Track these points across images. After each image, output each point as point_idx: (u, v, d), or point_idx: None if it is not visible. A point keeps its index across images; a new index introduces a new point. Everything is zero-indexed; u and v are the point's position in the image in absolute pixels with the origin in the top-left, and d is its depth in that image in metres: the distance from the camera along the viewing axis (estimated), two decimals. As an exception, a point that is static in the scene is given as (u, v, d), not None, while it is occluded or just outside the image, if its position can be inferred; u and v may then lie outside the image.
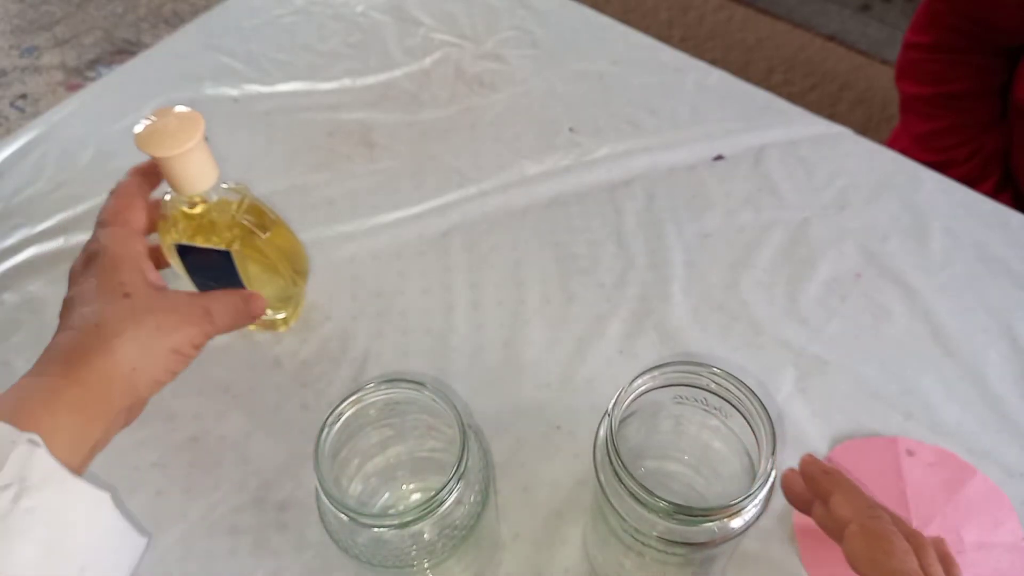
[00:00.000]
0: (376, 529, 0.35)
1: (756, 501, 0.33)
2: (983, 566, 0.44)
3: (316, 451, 0.35)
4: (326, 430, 0.36)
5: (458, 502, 0.36)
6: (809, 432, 0.49)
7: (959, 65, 0.75)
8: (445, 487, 0.34)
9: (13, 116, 1.64)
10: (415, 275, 0.58)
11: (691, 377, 0.36)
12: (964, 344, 0.53)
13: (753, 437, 0.35)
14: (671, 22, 1.78)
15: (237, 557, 0.46)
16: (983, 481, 0.47)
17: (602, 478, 0.35)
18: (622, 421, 0.36)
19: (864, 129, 0.65)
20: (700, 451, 0.42)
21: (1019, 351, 0.52)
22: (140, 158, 0.45)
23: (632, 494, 0.33)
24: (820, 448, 0.48)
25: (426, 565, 0.37)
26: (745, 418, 0.36)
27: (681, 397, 0.38)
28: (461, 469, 0.34)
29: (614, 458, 0.34)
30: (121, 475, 0.49)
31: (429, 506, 0.34)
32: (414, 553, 0.36)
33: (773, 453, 0.33)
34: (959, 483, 0.47)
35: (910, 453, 0.48)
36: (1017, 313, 0.54)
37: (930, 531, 0.45)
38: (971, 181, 0.64)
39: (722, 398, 0.36)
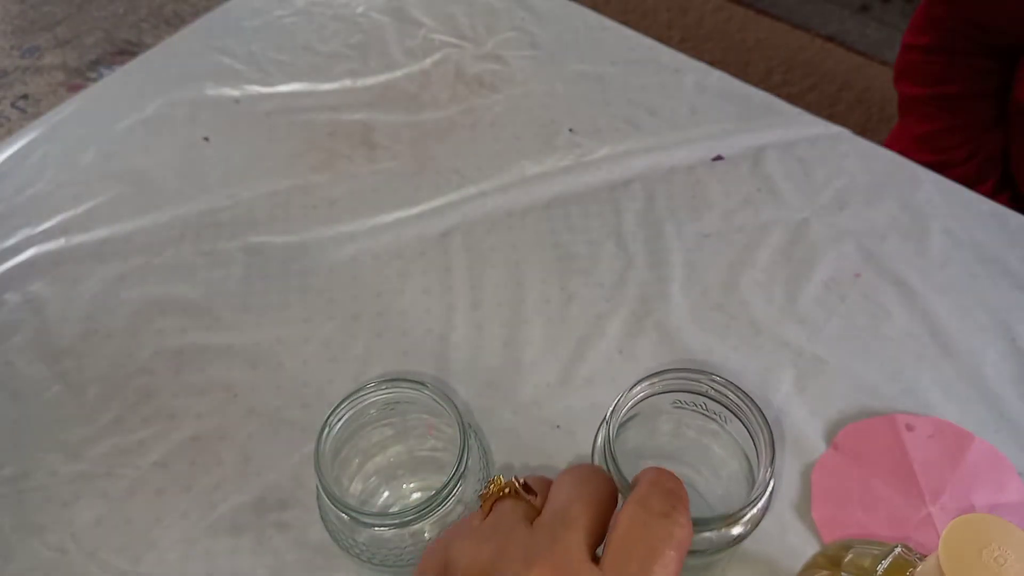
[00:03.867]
0: (376, 528, 0.35)
1: (755, 510, 0.33)
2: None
3: (317, 450, 0.35)
4: (327, 429, 0.36)
5: (458, 501, 0.36)
6: (808, 432, 0.49)
7: (957, 67, 0.75)
8: (445, 486, 0.34)
9: (14, 116, 1.64)
10: (415, 275, 0.58)
11: (690, 384, 0.37)
12: (963, 344, 0.53)
13: (752, 442, 0.35)
14: (670, 23, 1.78)
15: (237, 556, 0.46)
16: (982, 445, 0.48)
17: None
18: (622, 424, 0.36)
19: (863, 130, 0.65)
20: (699, 454, 0.42)
21: (1017, 351, 0.53)
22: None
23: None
24: (819, 446, 0.49)
25: (426, 564, 0.37)
26: (744, 424, 0.36)
27: (680, 402, 0.38)
28: (461, 469, 0.35)
29: (611, 466, 0.34)
30: (122, 474, 0.49)
31: (429, 505, 0.34)
32: (414, 552, 0.36)
33: (772, 462, 0.33)
34: (960, 451, 0.48)
35: (909, 428, 0.49)
36: (1015, 313, 0.54)
37: (942, 502, 0.46)
38: (970, 182, 0.64)
39: (721, 404, 0.36)
